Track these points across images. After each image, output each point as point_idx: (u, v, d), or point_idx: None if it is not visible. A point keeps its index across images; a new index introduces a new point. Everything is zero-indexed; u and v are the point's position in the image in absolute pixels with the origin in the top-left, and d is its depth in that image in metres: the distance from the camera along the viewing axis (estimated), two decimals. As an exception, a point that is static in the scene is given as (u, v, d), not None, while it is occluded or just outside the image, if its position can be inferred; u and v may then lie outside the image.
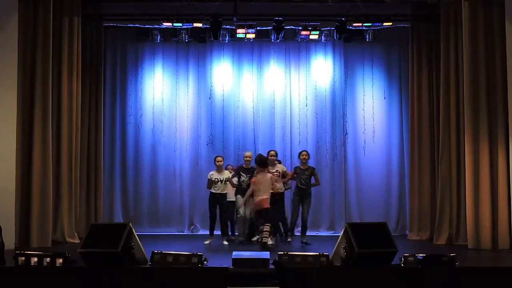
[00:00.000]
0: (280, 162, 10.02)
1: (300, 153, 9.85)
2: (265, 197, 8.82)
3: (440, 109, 9.91)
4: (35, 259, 6.27)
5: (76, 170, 9.96)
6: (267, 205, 8.80)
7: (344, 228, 6.65)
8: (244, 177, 9.59)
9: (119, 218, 11.29)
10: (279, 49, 11.63)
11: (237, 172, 9.75)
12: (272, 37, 10.84)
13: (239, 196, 9.67)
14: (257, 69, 11.69)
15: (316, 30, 10.66)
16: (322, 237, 10.33)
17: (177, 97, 11.62)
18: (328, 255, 6.60)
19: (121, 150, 11.52)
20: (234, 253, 6.75)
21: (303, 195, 9.55)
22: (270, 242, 8.66)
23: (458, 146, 9.66)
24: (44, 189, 9.18)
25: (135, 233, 6.70)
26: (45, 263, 6.26)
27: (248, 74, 11.68)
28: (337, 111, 11.59)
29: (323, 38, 11.08)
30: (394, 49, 11.62)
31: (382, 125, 11.56)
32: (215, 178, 9.68)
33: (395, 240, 6.61)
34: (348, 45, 11.50)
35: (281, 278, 6.17)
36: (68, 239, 9.56)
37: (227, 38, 10.94)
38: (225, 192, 9.72)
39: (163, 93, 11.61)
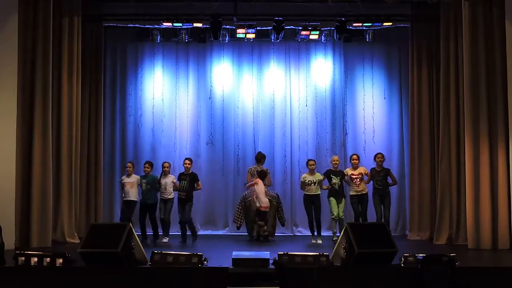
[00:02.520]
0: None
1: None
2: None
3: (440, 109, 9.91)
4: (35, 259, 6.28)
5: (76, 170, 9.96)
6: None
7: (344, 228, 6.65)
8: (335, 179, 9.99)
9: (119, 218, 11.27)
10: (279, 49, 11.62)
11: (327, 175, 10.08)
12: (272, 37, 10.84)
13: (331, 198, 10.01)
14: (257, 69, 11.68)
15: (316, 30, 10.66)
16: (322, 237, 10.32)
17: (177, 97, 11.62)
18: (328, 255, 6.60)
19: (121, 150, 11.51)
20: (234, 253, 6.75)
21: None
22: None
23: (458, 146, 9.66)
24: (44, 189, 9.18)
25: (135, 233, 6.70)
26: (45, 263, 6.27)
27: (248, 74, 11.68)
28: (337, 111, 11.59)
29: (323, 38, 11.08)
30: (394, 49, 11.62)
31: (382, 125, 11.56)
32: (308, 180, 9.99)
33: (395, 240, 6.61)
34: (348, 45, 11.49)
35: (281, 278, 6.17)
36: (68, 239, 9.56)
37: (227, 38, 10.94)
38: (318, 193, 10.03)
39: (163, 93, 11.61)
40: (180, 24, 10.42)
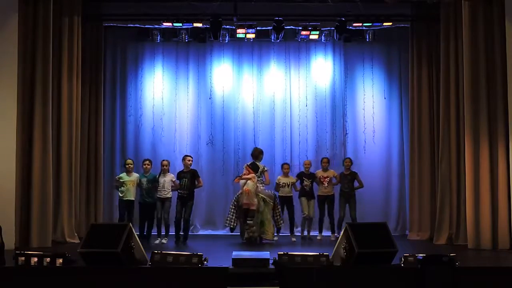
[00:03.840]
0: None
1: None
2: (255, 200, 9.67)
3: (440, 109, 9.91)
4: (35, 259, 6.28)
5: (76, 170, 9.96)
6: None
7: (344, 228, 6.65)
8: (306, 181, 10.31)
9: (118, 220, 11.27)
10: (279, 49, 11.62)
11: (300, 177, 10.41)
12: (272, 37, 10.84)
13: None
14: (257, 69, 11.68)
15: (316, 30, 10.65)
16: (322, 237, 10.34)
17: (177, 97, 11.61)
18: (328, 255, 6.60)
19: (121, 150, 11.51)
20: (234, 253, 6.76)
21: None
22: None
23: (458, 146, 9.65)
24: (44, 189, 9.18)
25: (135, 233, 6.70)
26: (45, 263, 6.27)
27: (248, 74, 11.67)
28: (337, 111, 11.58)
29: (323, 38, 11.07)
30: (394, 49, 11.61)
31: (382, 125, 11.56)
32: (282, 183, 10.25)
33: (395, 240, 6.61)
34: (348, 45, 11.49)
35: (281, 278, 6.17)
36: (68, 239, 9.55)
37: (227, 38, 10.93)
38: (291, 194, 10.31)
39: (163, 93, 11.60)
40: (180, 24, 10.41)
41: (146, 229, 9.89)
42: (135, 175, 9.88)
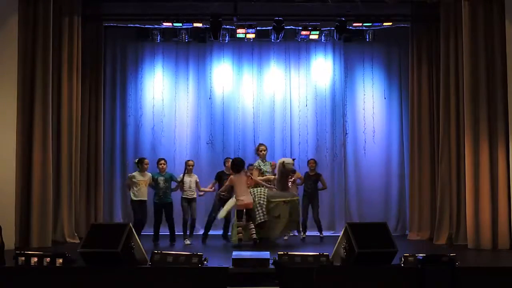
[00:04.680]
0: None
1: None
2: (250, 197, 9.15)
3: (440, 109, 9.91)
4: (35, 259, 6.27)
5: (76, 170, 9.96)
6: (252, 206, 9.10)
7: (344, 228, 6.65)
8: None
9: (119, 218, 11.29)
10: (279, 49, 11.63)
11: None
12: (272, 37, 10.84)
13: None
14: (257, 69, 11.69)
15: (316, 30, 10.66)
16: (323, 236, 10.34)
17: (177, 97, 11.62)
18: (328, 255, 6.60)
19: (121, 150, 11.51)
20: (234, 253, 6.76)
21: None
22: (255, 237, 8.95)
23: (458, 146, 9.65)
24: (44, 189, 9.18)
25: (135, 233, 6.70)
26: (45, 263, 6.26)
27: (248, 74, 11.69)
28: (337, 111, 11.59)
29: (323, 38, 11.08)
30: (394, 49, 11.62)
31: (382, 125, 11.57)
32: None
33: (395, 240, 6.61)
34: (348, 45, 11.50)
35: (281, 278, 6.17)
36: (68, 239, 9.56)
37: (227, 38, 10.94)
38: None
39: (163, 93, 11.61)
40: (180, 24, 10.42)
41: (169, 230, 9.54)
42: (148, 175, 9.56)
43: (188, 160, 9.96)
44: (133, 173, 9.64)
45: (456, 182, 9.70)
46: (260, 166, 9.85)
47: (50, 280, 6.11)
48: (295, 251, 7.00)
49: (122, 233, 6.38)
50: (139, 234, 8.50)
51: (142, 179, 9.46)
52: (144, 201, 9.47)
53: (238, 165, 9.25)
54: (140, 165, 9.55)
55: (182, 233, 9.64)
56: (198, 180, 9.82)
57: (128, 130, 11.56)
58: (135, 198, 9.43)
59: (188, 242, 9.51)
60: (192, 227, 9.70)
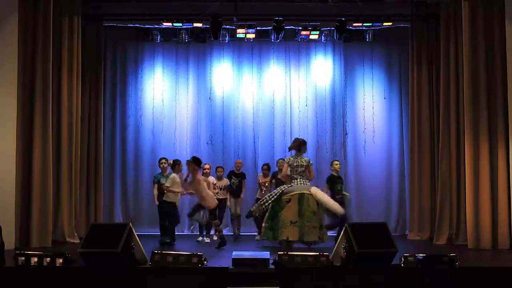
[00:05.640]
0: None
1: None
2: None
3: (440, 109, 9.91)
4: (35, 259, 6.27)
5: (76, 170, 9.96)
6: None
7: (344, 228, 6.65)
8: (234, 180, 10.39)
9: (119, 218, 11.29)
10: (279, 49, 11.63)
11: (229, 176, 10.48)
12: (272, 37, 10.84)
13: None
14: (257, 69, 11.69)
15: (316, 30, 10.66)
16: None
17: (177, 97, 11.62)
18: (328, 255, 6.60)
19: (121, 150, 11.52)
20: (234, 253, 6.76)
21: None
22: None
23: (458, 146, 9.66)
24: (44, 189, 9.18)
25: (135, 233, 6.70)
26: (45, 263, 6.26)
27: (248, 74, 11.69)
28: (337, 111, 11.59)
29: (323, 38, 11.09)
30: (394, 49, 11.63)
31: (382, 125, 11.57)
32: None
33: (395, 240, 6.61)
34: (348, 45, 11.51)
35: (281, 278, 6.17)
36: (68, 239, 9.55)
37: (227, 38, 10.95)
38: (226, 197, 10.39)
39: (163, 93, 11.61)
40: (180, 24, 10.42)
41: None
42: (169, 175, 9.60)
43: (205, 164, 10.04)
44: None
45: (456, 182, 9.70)
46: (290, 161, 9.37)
47: (50, 280, 6.11)
48: (295, 251, 7.00)
49: (122, 233, 6.38)
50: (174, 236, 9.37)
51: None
52: (174, 203, 9.52)
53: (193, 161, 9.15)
54: (177, 166, 9.51)
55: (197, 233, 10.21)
56: (215, 182, 10.18)
57: (128, 130, 11.56)
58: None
59: (207, 240, 9.85)
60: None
